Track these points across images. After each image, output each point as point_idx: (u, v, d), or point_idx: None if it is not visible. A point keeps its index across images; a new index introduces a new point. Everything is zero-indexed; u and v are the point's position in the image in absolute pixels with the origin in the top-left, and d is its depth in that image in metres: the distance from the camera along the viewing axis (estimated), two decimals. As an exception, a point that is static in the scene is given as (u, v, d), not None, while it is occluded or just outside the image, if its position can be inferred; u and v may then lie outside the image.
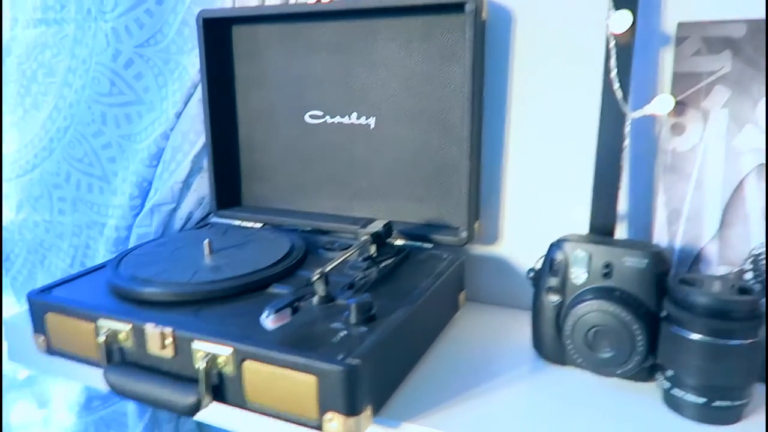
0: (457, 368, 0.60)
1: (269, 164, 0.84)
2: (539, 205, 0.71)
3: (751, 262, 0.57)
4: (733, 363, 0.48)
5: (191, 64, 0.84)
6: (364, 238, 0.66)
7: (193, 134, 0.86)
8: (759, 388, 0.52)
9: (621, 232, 0.67)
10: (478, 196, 0.73)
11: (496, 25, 0.69)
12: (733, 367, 0.49)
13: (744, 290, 0.50)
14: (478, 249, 0.76)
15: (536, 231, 0.70)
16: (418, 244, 0.73)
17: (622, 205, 0.67)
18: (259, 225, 0.84)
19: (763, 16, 0.57)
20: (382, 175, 0.77)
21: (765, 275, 0.56)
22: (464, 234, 0.71)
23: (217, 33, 0.81)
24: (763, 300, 0.49)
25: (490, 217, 0.74)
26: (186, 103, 0.85)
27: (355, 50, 0.75)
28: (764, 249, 0.57)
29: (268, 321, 0.51)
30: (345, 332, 0.52)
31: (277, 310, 0.50)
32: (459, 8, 0.66)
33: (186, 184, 0.88)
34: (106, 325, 0.56)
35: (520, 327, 0.65)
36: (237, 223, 0.86)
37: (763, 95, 0.57)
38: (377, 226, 0.68)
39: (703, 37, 0.60)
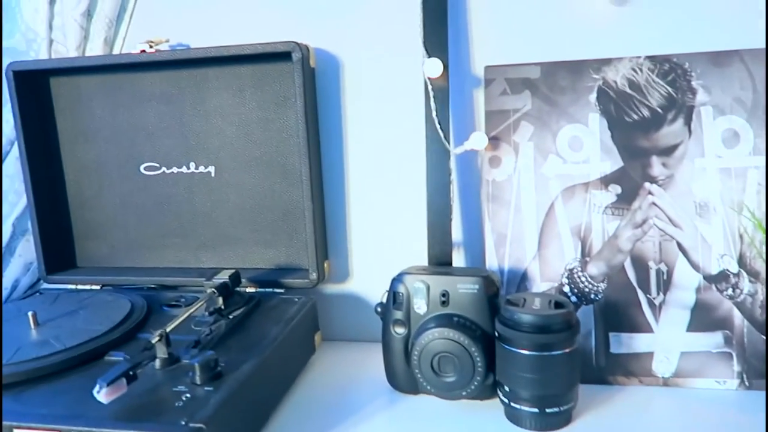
0: (313, 411, 0.60)
1: (104, 221, 0.79)
2: (385, 240, 0.74)
3: (567, 277, 0.64)
4: (556, 372, 0.53)
5: (5, 119, 0.77)
6: (209, 290, 0.64)
7: (12, 195, 0.79)
8: (582, 390, 0.58)
9: (459, 259, 0.72)
10: (325, 236, 0.75)
11: (325, 71, 0.72)
12: (557, 375, 0.54)
13: (559, 304, 0.55)
14: (331, 288, 0.77)
15: (384, 265, 0.72)
16: (270, 290, 0.73)
17: (457, 234, 0.71)
18: (97, 287, 0.79)
19: (553, 59, 0.65)
20: (227, 223, 0.76)
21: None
22: (314, 275, 0.71)
23: (32, 86, 0.75)
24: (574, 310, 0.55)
25: (340, 256, 0.76)
26: (2, 162, 0.78)
27: (187, 99, 0.74)
28: (576, 264, 0.64)
29: (101, 395, 0.47)
30: (189, 395, 0.49)
31: (110, 382, 0.47)
32: (287, 57, 0.68)
33: (9, 250, 0.80)
34: None
35: (375, 361, 0.66)
36: (72, 287, 0.80)
37: (561, 128, 0.65)
38: (223, 276, 0.66)
39: (506, 78, 0.66)
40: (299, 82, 0.67)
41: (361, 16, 0.70)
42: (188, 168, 0.75)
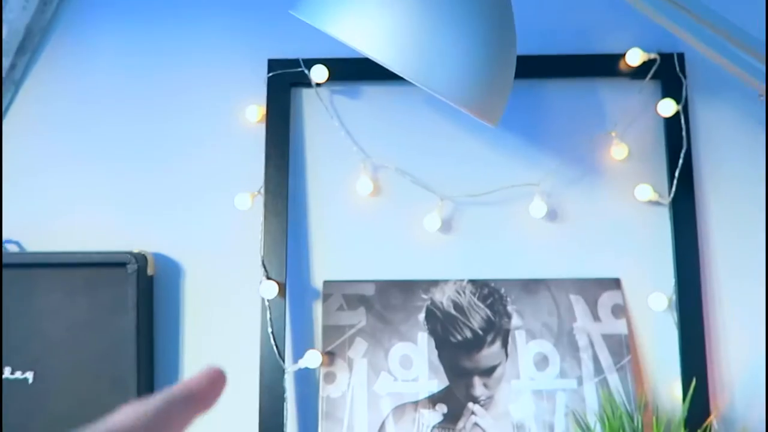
0: None
1: None
2: (218, 452, 0.71)
3: (396, 501, 0.64)
4: None
5: None
6: None
7: None
8: None
9: (294, 473, 0.70)
10: (152, 450, 0.70)
11: (165, 277, 0.71)
12: None
13: None
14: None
15: (215, 479, 0.69)
16: None
17: (293, 448, 0.70)
18: None
19: (388, 278, 0.70)
20: (41, 436, 0.69)
21: None
22: (134, 499, 0.65)
23: None
24: None
25: (167, 470, 0.71)
26: None
27: (12, 300, 0.69)
28: (404, 487, 0.64)
29: None
30: None
31: None
32: (123, 264, 0.67)
33: None
34: None
35: None
36: None
37: (392, 346, 0.68)
38: None
39: (344, 294, 0.70)
40: (133, 292, 0.66)
41: (206, 226, 0.72)
42: (3, 373, 0.69)
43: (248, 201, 0.68)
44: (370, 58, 0.44)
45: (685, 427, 0.63)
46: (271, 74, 0.70)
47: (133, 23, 0.74)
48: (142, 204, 0.72)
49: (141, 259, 0.67)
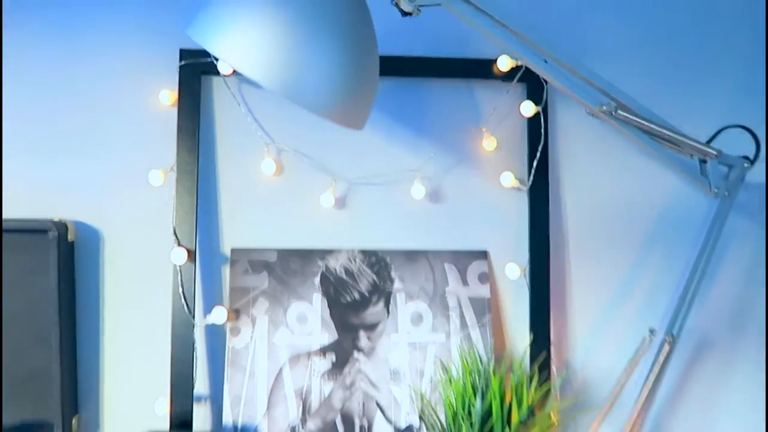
0: None
1: None
2: (136, 397, 0.80)
3: (289, 433, 0.76)
4: None
5: None
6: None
7: None
8: None
9: (206, 412, 0.80)
10: (76, 393, 0.79)
11: (85, 242, 0.79)
12: None
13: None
14: (79, 442, 0.81)
15: (134, 420, 0.79)
16: (11, 450, 0.74)
17: (206, 390, 0.80)
18: None
19: (288, 247, 0.80)
20: (-30, 383, 0.76)
21: None
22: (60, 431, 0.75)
23: None
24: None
25: (90, 410, 0.80)
26: None
27: (-63, 261, 0.75)
28: (298, 422, 0.77)
29: None
30: None
31: None
32: (45, 231, 0.74)
33: None
34: None
35: None
36: None
37: (291, 305, 0.79)
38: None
39: (249, 260, 0.80)
40: (54, 255, 0.73)
41: (123, 198, 0.79)
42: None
43: (161, 177, 0.76)
44: (246, 75, 0.52)
45: (529, 369, 0.78)
46: (183, 63, 0.77)
47: (53, 13, 0.79)
48: (67, 178, 0.79)
49: (61, 226, 0.74)
